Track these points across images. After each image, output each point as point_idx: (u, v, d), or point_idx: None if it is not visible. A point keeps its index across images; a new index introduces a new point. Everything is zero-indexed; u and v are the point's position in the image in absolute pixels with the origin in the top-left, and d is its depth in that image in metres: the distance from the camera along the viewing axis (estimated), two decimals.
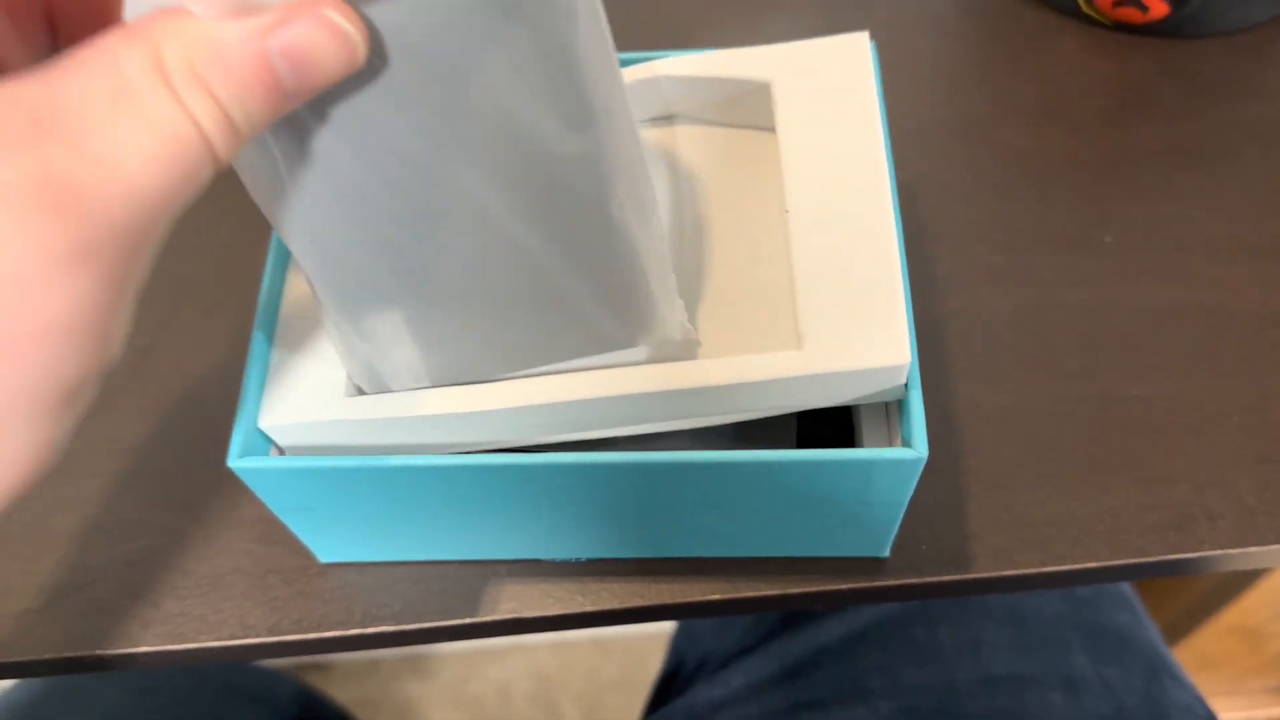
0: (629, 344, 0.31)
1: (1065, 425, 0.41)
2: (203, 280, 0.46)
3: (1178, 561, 0.39)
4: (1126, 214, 0.46)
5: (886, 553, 0.38)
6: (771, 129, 0.37)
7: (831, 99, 0.35)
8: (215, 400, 0.43)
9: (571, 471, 0.32)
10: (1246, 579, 0.81)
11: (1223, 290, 0.44)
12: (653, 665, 1.14)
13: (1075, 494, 0.40)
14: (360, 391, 0.33)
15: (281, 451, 0.34)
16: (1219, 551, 0.38)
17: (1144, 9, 0.50)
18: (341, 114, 0.24)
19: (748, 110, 0.38)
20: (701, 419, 0.33)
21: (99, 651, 0.38)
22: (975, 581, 0.38)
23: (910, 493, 0.33)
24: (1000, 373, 0.42)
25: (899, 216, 0.33)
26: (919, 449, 0.30)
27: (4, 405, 0.18)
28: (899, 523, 0.36)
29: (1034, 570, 0.38)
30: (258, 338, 0.33)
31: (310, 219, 0.27)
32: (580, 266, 0.29)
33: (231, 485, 0.41)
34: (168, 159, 0.20)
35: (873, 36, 0.36)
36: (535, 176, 0.27)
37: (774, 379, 0.31)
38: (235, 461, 0.31)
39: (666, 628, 1.06)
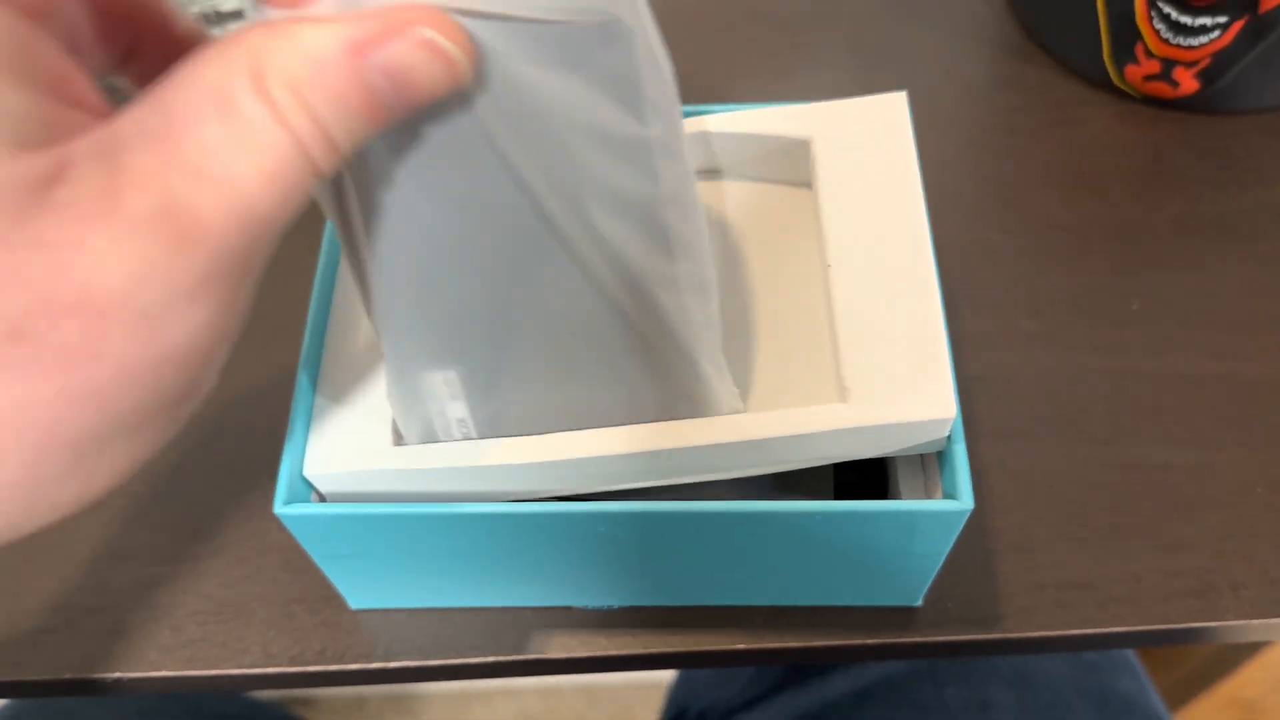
0: (676, 417, 0.32)
1: (1090, 489, 0.42)
2: None
3: (1200, 630, 0.39)
4: (1154, 284, 0.47)
5: (920, 601, 0.39)
6: (808, 185, 0.38)
7: (870, 157, 0.36)
8: (244, 429, 0.43)
9: (618, 520, 0.32)
10: (1246, 651, 0.81)
11: (1247, 363, 0.45)
12: (641, 715, 1.13)
13: (1099, 558, 0.40)
14: (400, 436, 0.33)
15: (321, 496, 0.34)
16: (1240, 622, 0.39)
17: (1175, 84, 0.51)
18: (425, 148, 0.25)
19: (787, 166, 0.38)
20: (746, 470, 0.33)
21: (117, 674, 0.38)
22: (1001, 642, 0.39)
23: (951, 544, 0.33)
24: (1027, 434, 0.43)
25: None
26: (965, 501, 0.31)
27: (110, 425, 0.18)
28: (935, 573, 0.36)
29: (1059, 633, 0.38)
30: (302, 380, 0.33)
31: (390, 264, 0.28)
32: (639, 341, 0.30)
33: (258, 514, 0.41)
34: (275, 176, 0.20)
35: (909, 100, 0.37)
36: (607, 238, 0.27)
37: (819, 432, 0.31)
38: (282, 509, 0.31)
39: (657, 677, 1.05)
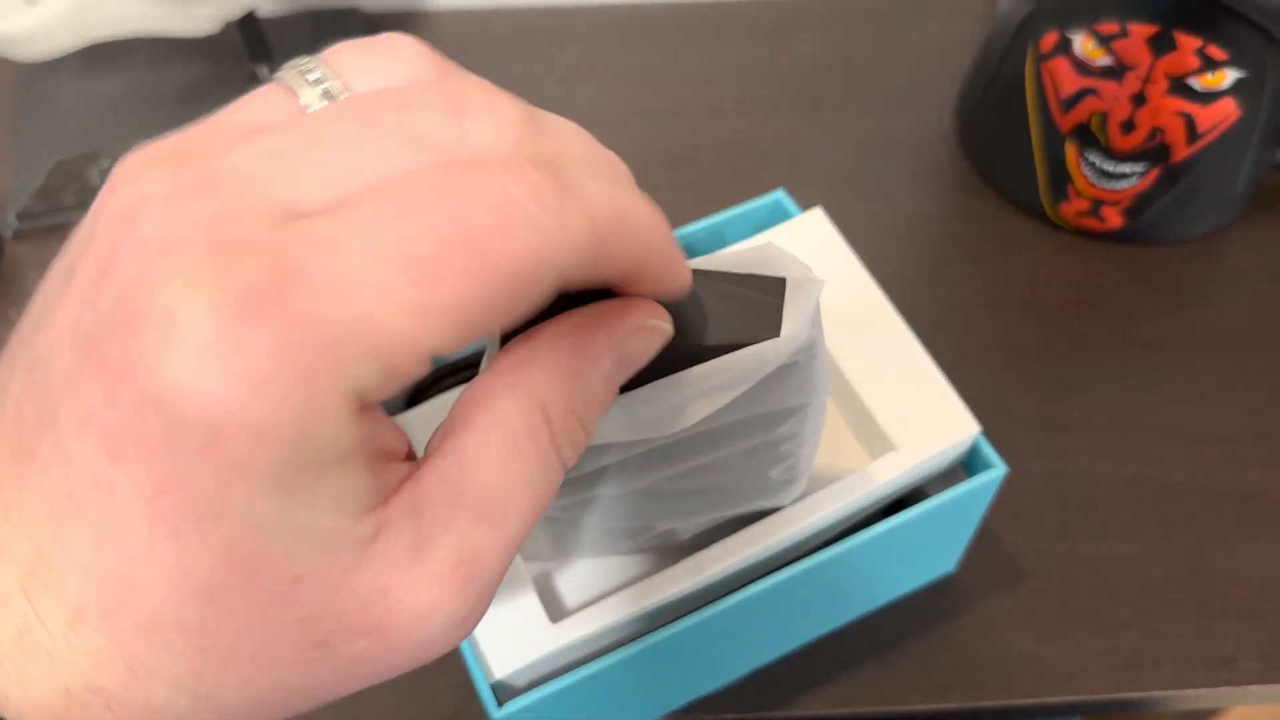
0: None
1: (1036, 578, 0.48)
2: None
3: (1128, 700, 0.45)
4: (1092, 397, 0.54)
5: (954, 567, 0.47)
6: None
7: (818, 261, 0.43)
8: None
9: (760, 600, 0.38)
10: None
11: (1171, 467, 0.52)
12: None
13: (1043, 638, 0.46)
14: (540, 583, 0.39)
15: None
16: (1163, 692, 0.45)
17: (1102, 220, 0.58)
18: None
19: None
20: (832, 530, 0.40)
21: None
22: (952, 712, 0.45)
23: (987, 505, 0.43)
24: (980, 533, 0.49)
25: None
26: (999, 466, 0.41)
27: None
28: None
29: (1003, 703, 0.45)
30: None
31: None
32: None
33: None
34: (540, 501, 0.22)
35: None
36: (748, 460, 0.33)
37: (892, 478, 0.39)
38: (501, 712, 0.36)
39: None
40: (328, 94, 0.21)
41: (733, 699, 0.45)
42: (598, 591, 0.39)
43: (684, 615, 0.38)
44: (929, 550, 0.44)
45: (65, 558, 0.19)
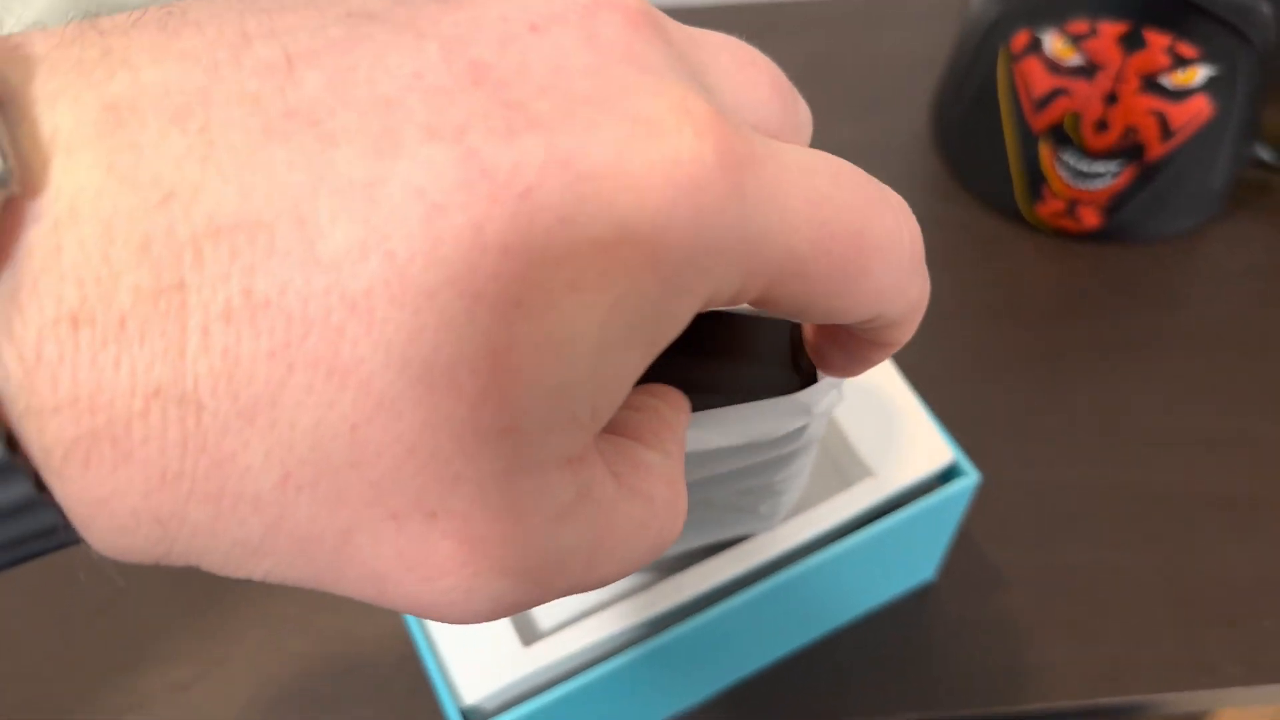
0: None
1: (1015, 587, 0.47)
2: None
3: (1110, 706, 0.45)
4: (1071, 403, 0.54)
5: (934, 575, 0.47)
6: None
7: None
8: None
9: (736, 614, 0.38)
10: None
11: (1149, 471, 0.51)
12: None
13: (1024, 647, 0.46)
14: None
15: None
16: (1143, 697, 0.44)
17: (1079, 220, 0.58)
18: None
19: None
20: (805, 550, 0.39)
21: None
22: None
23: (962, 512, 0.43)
24: (959, 543, 0.49)
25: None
26: (971, 473, 0.40)
27: None
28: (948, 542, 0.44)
29: (983, 710, 0.44)
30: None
31: None
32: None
33: (272, 613, 0.47)
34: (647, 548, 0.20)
35: None
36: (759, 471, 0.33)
37: (865, 508, 0.39)
38: None
39: None
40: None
41: (711, 715, 0.45)
42: (571, 614, 0.39)
43: (660, 632, 0.37)
44: (906, 559, 0.44)
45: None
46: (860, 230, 0.18)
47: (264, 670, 0.45)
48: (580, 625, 0.37)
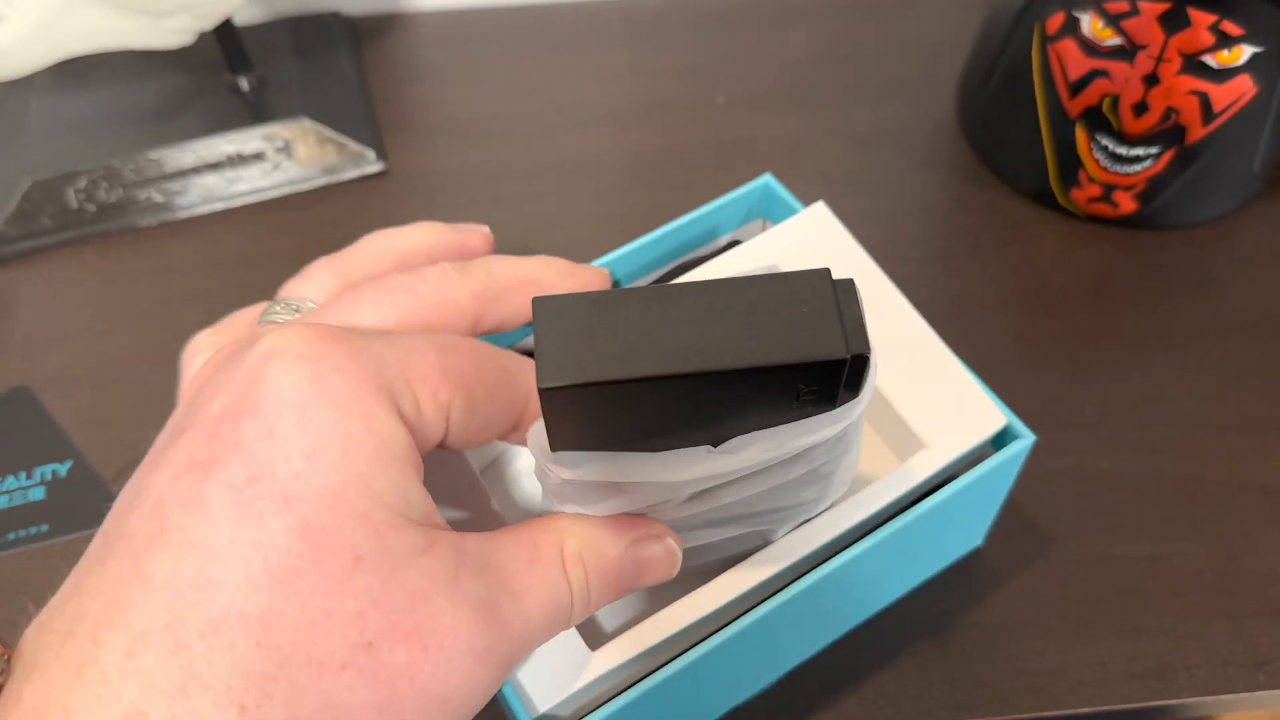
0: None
1: (1058, 584, 0.46)
2: None
3: (1160, 707, 0.43)
4: (1106, 390, 0.52)
5: (982, 541, 0.46)
6: None
7: (826, 258, 0.41)
8: None
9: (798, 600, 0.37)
10: None
11: (1193, 460, 0.50)
12: None
13: (1069, 646, 0.45)
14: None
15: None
16: (1195, 699, 0.43)
17: (1115, 205, 0.56)
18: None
19: None
20: (861, 529, 0.38)
21: None
22: None
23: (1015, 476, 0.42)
24: (995, 535, 0.47)
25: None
26: (1027, 435, 0.39)
27: None
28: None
29: (1031, 715, 0.43)
30: None
31: None
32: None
33: None
34: (551, 610, 0.28)
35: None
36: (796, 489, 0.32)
37: (921, 481, 0.37)
38: None
39: None
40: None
41: (774, 699, 0.43)
42: (630, 615, 0.38)
43: (720, 629, 0.36)
44: (960, 527, 0.43)
45: (137, 590, 0.21)
46: None
47: None
48: (644, 626, 0.35)
